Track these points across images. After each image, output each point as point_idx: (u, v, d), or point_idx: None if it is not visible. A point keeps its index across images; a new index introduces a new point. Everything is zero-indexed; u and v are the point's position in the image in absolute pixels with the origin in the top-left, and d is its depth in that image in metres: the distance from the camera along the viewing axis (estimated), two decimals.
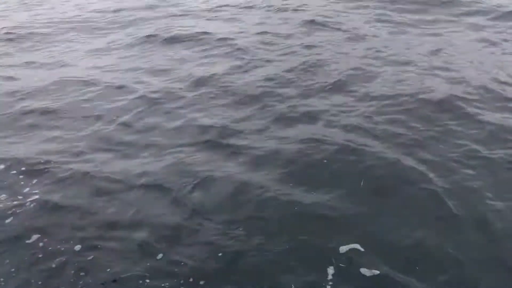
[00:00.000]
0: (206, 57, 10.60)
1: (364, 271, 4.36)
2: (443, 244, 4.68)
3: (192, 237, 4.97)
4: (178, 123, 7.46)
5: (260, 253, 4.64)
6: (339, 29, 11.82)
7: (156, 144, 6.83)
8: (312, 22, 12.57)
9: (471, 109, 7.23)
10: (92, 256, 4.76)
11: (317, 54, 10.22)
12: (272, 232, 4.91)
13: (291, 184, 5.68)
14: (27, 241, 5.02)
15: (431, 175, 5.68)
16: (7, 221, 5.33)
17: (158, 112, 7.93)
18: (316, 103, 7.85)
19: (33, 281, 4.51)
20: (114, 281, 4.47)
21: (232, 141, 6.76)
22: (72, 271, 4.58)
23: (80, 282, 4.46)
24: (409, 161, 5.97)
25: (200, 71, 9.57)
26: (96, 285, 4.42)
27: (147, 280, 4.44)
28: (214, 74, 9.33)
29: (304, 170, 5.98)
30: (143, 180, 5.93)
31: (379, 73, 8.88)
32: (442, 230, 4.88)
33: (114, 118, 7.73)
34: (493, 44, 10.11)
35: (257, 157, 6.33)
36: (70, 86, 9.19)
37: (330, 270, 4.37)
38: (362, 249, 4.57)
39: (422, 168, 5.81)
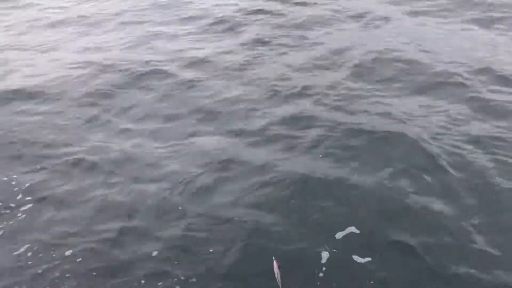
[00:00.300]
0: (205, 39, 10.77)
1: (359, 252, 4.60)
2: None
3: (196, 219, 5.15)
4: (179, 106, 7.69)
5: (260, 238, 4.83)
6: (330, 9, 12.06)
7: (156, 130, 7.02)
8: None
9: (464, 89, 7.61)
10: (90, 247, 4.85)
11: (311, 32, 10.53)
12: (273, 215, 5.12)
13: (290, 165, 5.93)
14: (22, 237, 5.08)
15: (426, 144, 6.10)
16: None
17: (159, 94, 8.15)
18: (315, 81, 8.16)
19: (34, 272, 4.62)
20: (114, 271, 4.60)
21: (236, 124, 7.02)
22: (68, 263, 4.70)
23: (76, 273, 4.57)
24: (404, 135, 6.34)
25: (200, 52, 9.79)
26: (95, 276, 4.53)
27: (145, 272, 4.56)
28: (214, 55, 9.58)
29: (302, 150, 6.25)
30: (140, 170, 6.06)
31: (367, 48, 9.27)
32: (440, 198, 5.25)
33: (112, 103, 7.90)
34: (487, 24, 10.31)
35: (258, 139, 6.59)
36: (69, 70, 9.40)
37: (326, 254, 4.62)
38: (357, 231, 4.84)
39: (420, 141, 6.18)
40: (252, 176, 5.81)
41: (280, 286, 2.94)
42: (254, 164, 6.02)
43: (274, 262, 3.08)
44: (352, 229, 4.88)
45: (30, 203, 5.62)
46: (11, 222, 5.32)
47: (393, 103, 7.30)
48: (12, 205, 5.59)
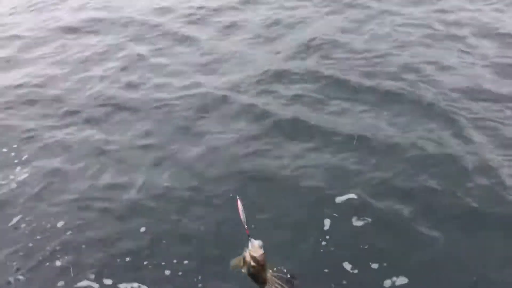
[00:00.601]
0: None
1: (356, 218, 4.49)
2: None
3: (193, 183, 5.03)
4: (180, 61, 7.65)
5: (262, 203, 4.67)
6: None
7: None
8: None
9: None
10: (86, 217, 4.77)
11: None
12: (274, 183, 4.98)
13: (288, 135, 5.75)
14: (20, 207, 5.02)
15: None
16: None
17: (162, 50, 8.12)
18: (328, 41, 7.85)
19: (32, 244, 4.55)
20: (108, 241, 4.52)
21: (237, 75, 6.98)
22: (65, 231, 4.64)
23: (72, 243, 4.49)
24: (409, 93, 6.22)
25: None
26: (89, 245, 4.46)
27: (138, 240, 4.48)
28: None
29: (303, 103, 6.16)
30: (140, 140, 5.93)
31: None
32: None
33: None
34: None
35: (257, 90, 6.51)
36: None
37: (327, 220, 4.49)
38: (356, 197, 4.69)
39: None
40: (251, 125, 5.82)
41: (246, 226, 2.73)
42: (254, 114, 6.04)
43: (238, 201, 2.84)
44: (354, 188, 4.78)
45: (31, 153, 5.69)
46: (6, 187, 5.30)
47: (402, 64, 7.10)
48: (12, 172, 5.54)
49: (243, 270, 2.78)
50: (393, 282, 3.91)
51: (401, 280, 3.93)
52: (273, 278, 2.77)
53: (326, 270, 4.02)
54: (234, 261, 2.80)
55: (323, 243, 4.24)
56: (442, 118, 5.67)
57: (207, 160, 5.35)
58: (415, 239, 4.25)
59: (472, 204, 4.49)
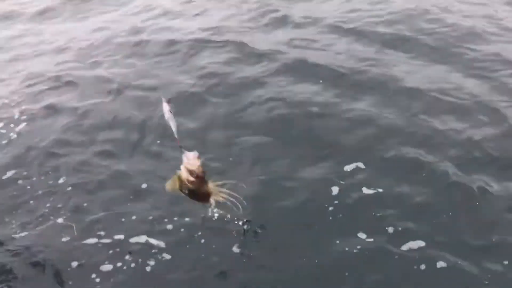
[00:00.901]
0: None
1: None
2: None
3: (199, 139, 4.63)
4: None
5: (267, 173, 4.19)
6: None
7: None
8: None
9: None
10: (88, 163, 4.45)
11: None
12: (280, 152, 4.47)
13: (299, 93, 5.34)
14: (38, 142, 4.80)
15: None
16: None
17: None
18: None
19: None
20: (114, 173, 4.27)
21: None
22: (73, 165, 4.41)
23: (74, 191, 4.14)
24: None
25: None
26: (91, 191, 4.12)
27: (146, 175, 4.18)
28: None
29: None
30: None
31: None
32: None
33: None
34: None
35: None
36: None
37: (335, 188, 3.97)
38: (363, 166, 4.14)
39: None
40: (259, 68, 5.65)
41: (176, 136, 2.29)
42: (263, 56, 5.93)
43: (164, 104, 2.37)
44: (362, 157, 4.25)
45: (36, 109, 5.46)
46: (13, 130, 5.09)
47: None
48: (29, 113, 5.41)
49: (183, 192, 2.33)
50: (411, 246, 3.36)
51: (419, 242, 3.37)
52: (216, 188, 2.30)
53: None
54: (170, 183, 2.36)
55: (330, 208, 3.72)
56: (467, 64, 5.39)
57: (213, 103, 5.14)
58: (437, 195, 3.72)
59: (498, 153, 4.00)
